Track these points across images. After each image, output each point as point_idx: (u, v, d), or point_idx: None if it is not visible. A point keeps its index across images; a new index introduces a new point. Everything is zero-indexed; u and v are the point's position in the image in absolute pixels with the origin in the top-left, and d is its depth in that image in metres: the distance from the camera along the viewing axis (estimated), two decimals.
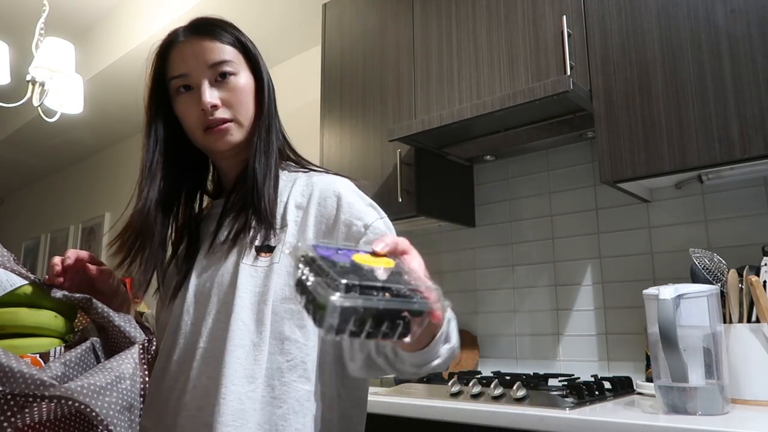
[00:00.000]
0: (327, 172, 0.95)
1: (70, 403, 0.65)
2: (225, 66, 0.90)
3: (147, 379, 0.76)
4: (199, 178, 1.03)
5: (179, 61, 0.91)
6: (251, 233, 0.86)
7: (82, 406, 0.65)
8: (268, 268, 0.84)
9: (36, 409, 0.64)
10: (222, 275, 0.86)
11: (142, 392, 0.74)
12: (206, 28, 0.92)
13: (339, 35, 2.39)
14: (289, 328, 0.83)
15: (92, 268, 0.87)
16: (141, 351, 0.76)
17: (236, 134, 0.92)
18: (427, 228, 2.38)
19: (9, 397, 0.62)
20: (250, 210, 0.88)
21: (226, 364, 0.79)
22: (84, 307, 0.82)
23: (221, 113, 0.90)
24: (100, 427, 0.67)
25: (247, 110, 0.92)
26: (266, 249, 0.85)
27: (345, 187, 0.89)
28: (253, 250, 0.85)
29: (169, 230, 0.97)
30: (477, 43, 1.92)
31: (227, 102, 0.90)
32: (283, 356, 0.82)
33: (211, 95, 0.89)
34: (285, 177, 0.94)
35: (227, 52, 0.91)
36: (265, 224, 0.86)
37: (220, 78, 0.90)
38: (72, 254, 0.85)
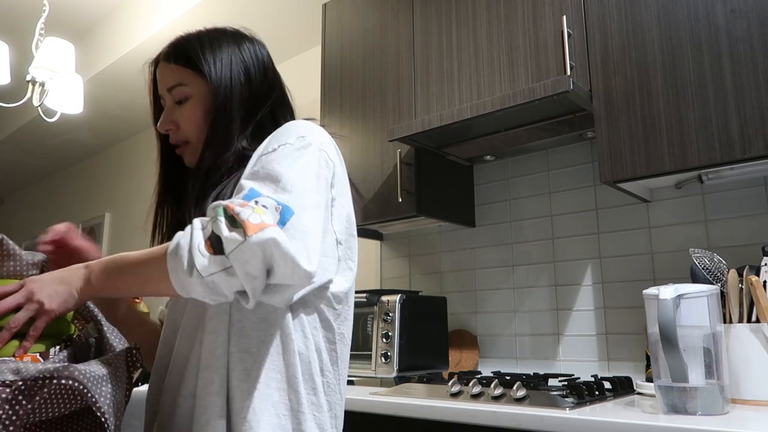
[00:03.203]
0: None
1: (73, 383, 0.68)
2: (178, 90, 0.94)
3: (132, 383, 0.79)
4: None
5: (158, 82, 0.98)
6: None
7: (83, 389, 0.69)
8: None
9: (45, 392, 0.68)
10: None
11: (127, 394, 0.77)
12: (169, 51, 0.97)
13: (339, 35, 2.39)
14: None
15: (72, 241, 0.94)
16: (128, 356, 0.79)
17: (191, 154, 0.96)
18: (427, 228, 2.38)
19: (21, 383, 0.67)
20: None
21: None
22: (83, 314, 0.86)
23: (175, 136, 0.96)
24: (98, 413, 0.69)
25: (197, 131, 0.94)
26: None
27: (287, 125, 0.89)
28: None
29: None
30: (477, 43, 1.92)
31: (179, 125, 0.95)
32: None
33: (165, 120, 0.95)
34: None
35: (181, 75, 0.94)
36: None
37: (179, 101, 0.95)
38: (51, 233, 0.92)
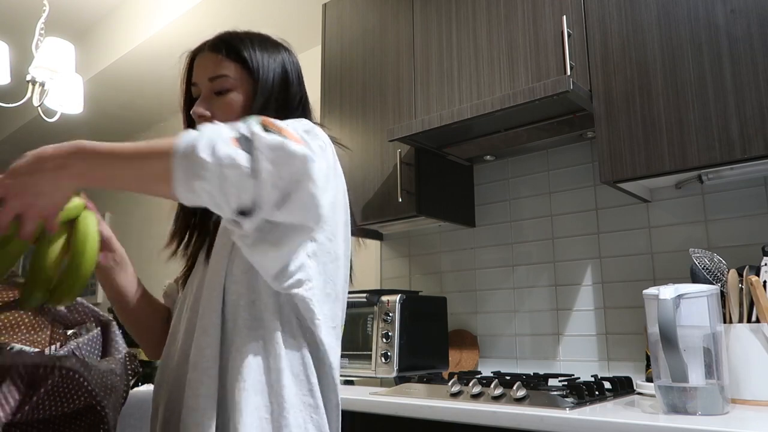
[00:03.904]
0: None
1: (74, 375, 0.68)
2: (221, 81, 0.95)
3: (129, 388, 0.79)
4: None
5: (195, 70, 0.99)
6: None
7: (83, 381, 0.69)
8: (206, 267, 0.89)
9: (50, 384, 0.67)
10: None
11: (124, 395, 0.77)
12: (218, 42, 0.98)
13: (339, 35, 2.39)
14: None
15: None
16: (127, 359, 0.79)
17: None
18: (427, 228, 2.38)
19: (21, 368, 0.66)
20: None
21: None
22: (79, 311, 0.86)
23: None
24: (98, 408, 0.69)
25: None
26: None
27: None
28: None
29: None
30: (477, 43, 1.92)
31: (216, 115, 0.95)
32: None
33: (201, 106, 0.95)
34: None
35: (227, 67, 0.95)
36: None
37: (218, 92, 0.95)
38: None
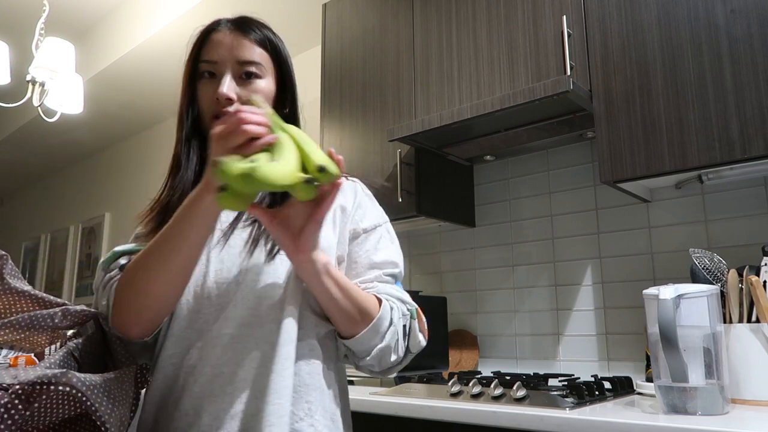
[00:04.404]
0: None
1: (71, 390, 0.67)
2: (252, 66, 0.92)
3: (139, 400, 0.79)
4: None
5: (213, 47, 0.93)
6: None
7: (81, 396, 0.68)
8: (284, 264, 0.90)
9: (44, 399, 0.67)
10: (256, 271, 0.88)
11: (132, 410, 0.76)
12: (247, 25, 0.94)
13: (339, 35, 2.39)
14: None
15: None
16: (137, 374, 0.79)
17: None
18: (427, 228, 2.38)
19: (18, 387, 0.65)
20: None
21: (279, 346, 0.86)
22: (77, 314, 0.83)
23: (234, 108, 0.89)
24: (98, 422, 0.68)
25: None
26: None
27: (360, 187, 1.09)
28: (270, 245, 0.89)
29: None
30: (477, 43, 1.92)
31: (243, 100, 0.91)
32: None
33: (229, 87, 0.90)
34: None
35: (259, 54, 0.93)
36: None
37: (245, 76, 0.91)
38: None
